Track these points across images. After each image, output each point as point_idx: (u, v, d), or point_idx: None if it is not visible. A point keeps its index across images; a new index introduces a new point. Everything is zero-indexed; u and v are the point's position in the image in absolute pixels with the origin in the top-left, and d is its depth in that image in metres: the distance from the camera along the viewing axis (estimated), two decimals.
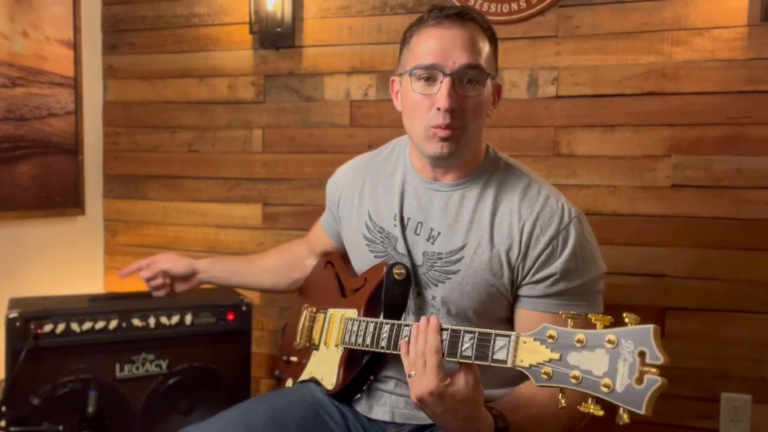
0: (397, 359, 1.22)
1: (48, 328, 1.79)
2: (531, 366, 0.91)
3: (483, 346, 0.97)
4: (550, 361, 0.89)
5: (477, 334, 0.98)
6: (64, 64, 2.42)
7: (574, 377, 0.85)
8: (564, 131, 2.08)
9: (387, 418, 1.27)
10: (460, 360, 0.99)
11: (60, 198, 2.42)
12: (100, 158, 2.66)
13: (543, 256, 1.16)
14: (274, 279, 1.63)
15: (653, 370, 0.78)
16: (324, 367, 1.32)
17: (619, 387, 0.81)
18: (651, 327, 0.80)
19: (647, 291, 2.00)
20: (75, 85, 2.47)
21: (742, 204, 1.92)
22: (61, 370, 1.80)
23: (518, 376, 1.21)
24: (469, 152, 1.22)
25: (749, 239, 1.91)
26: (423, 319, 1.05)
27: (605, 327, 0.85)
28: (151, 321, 1.92)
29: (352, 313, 1.28)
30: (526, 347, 0.92)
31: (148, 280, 1.60)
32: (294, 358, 1.47)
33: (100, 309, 1.89)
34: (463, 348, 0.99)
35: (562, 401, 0.88)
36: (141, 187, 2.62)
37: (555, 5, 2.05)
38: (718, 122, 1.93)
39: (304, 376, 1.38)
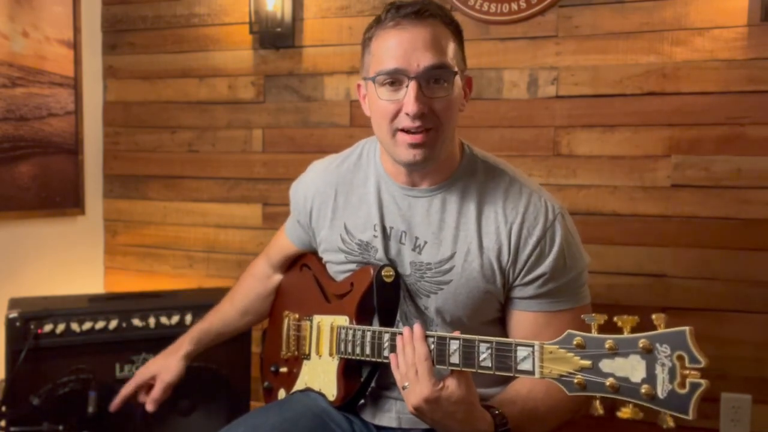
0: None
1: (48, 328, 1.79)
2: (561, 376, 0.88)
3: (504, 356, 0.94)
4: (582, 369, 0.85)
5: (494, 344, 0.96)
6: (64, 64, 2.42)
7: (611, 386, 0.82)
8: (564, 131, 2.08)
9: (394, 425, 1.24)
10: (479, 371, 0.97)
11: (60, 198, 2.42)
12: (100, 158, 2.66)
13: (532, 258, 1.15)
14: (254, 315, 1.56)
15: (694, 373, 0.77)
16: (320, 378, 1.28)
17: (661, 393, 0.79)
18: (687, 330, 0.78)
19: (647, 291, 2.00)
20: (75, 85, 2.47)
21: (742, 204, 1.92)
22: (61, 370, 1.80)
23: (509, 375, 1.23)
24: (445, 154, 1.17)
25: (749, 239, 1.91)
26: (406, 329, 1.04)
27: (632, 329, 0.83)
28: (151, 321, 1.92)
29: (342, 320, 1.24)
30: (553, 356, 0.89)
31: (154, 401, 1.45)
32: (284, 369, 1.41)
33: (100, 309, 1.89)
34: (481, 359, 0.97)
35: (600, 409, 0.85)
36: (141, 187, 2.61)
37: (555, 5, 2.05)
38: (718, 122, 1.93)
39: (299, 386, 1.34)
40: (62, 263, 2.45)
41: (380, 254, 1.22)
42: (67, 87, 2.44)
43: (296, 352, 1.37)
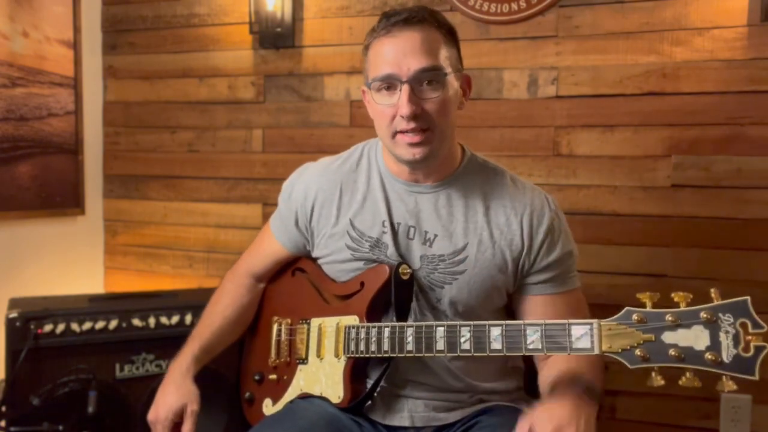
0: (413, 361, 1.19)
1: (48, 328, 1.79)
2: (623, 350, 0.91)
3: (556, 336, 0.98)
4: (645, 343, 0.90)
5: (544, 326, 0.99)
6: (64, 64, 2.42)
7: (675, 355, 0.87)
8: (564, 131, 2.08)
9: (406, 424, 1.23)
10: (526, 353, 1.01)
11: (60, 198, 2.42)
12: (100, 158, 2.66)
13: (545, 245, 1.22)
14: (244, 327, 1.47)
15: (757, 337, 0.82)
16: (321, 380, 1.25)
17: (726, 358, 0.84)
18: (747, 299, 0.84)
19: (647, 291, 1.99)
20: (75, 85, 2.47)
21: (742, 204, 1.92)
22: (61, 370, 1.80)
23: (507, 367, 1.29)
24: (445, 152, 1.23)
25: (749, 239, 1.91)
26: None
27: (688, 304, 0.88)
28: (151, 321, 1.92)
29: (351, 320, 1.22)
30: (611, 333, 0.93)
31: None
32: (272, 376, 1.35)
33: (100, 309, 1.89)
34: (528, 342, 1.00)
35: (659, 380, 0.89)
36: (141, 187, 2.61)
37: (555, 5, 2.05)
38: (718, 122, 1.93)
39: (292, 393, 1.30)
40: (62, 263, 2.45)
41: (391, 250, 1.24)
42: (67, 87, 2.44)
43: (289, 358, 1.33)
